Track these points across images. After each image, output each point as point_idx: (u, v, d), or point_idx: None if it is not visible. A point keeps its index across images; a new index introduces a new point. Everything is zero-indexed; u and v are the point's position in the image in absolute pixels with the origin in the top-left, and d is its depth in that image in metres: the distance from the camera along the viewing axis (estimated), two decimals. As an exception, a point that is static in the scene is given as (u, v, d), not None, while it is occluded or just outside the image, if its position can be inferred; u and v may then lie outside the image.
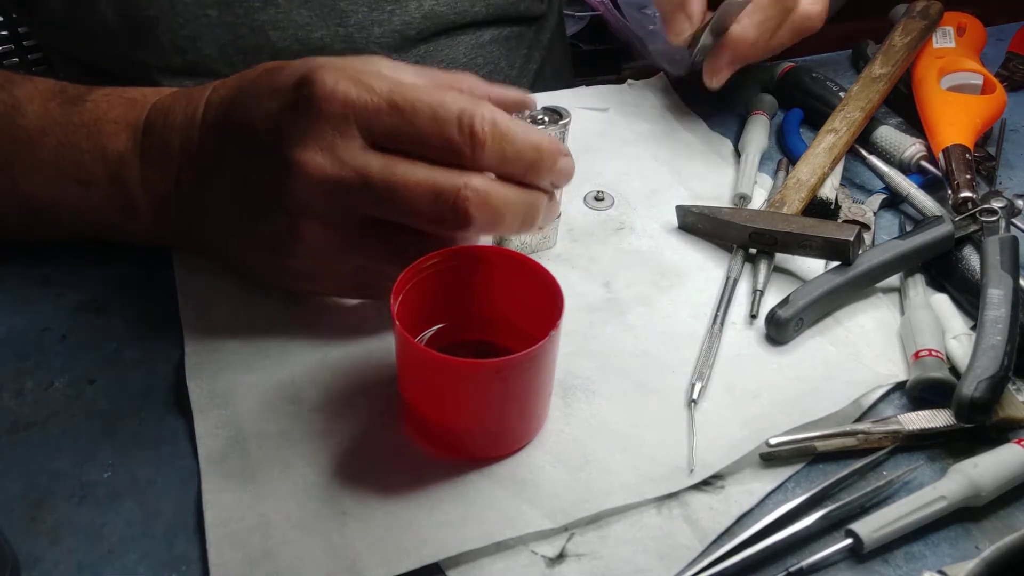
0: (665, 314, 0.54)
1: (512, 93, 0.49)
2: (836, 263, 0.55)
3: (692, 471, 0.45)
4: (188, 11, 0.67)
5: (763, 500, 0.44)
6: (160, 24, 0.67)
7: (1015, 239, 0.54)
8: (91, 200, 0.51)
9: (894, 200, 0.64)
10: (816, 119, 0.69)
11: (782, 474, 0.46)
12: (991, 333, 0.48)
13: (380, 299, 0.48)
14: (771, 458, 0.46)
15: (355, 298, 0.51)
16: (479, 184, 0.43)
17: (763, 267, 0.56)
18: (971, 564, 0.35)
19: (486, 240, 0.57)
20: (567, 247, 0.58)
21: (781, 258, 0.58)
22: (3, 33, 0.90)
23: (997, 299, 0.50)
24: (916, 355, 0.50)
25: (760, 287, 0.55)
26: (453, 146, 0.43)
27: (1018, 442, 0.46)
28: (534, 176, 0.45)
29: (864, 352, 0.52)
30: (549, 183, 0.46)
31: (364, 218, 0.44)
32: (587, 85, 0.73)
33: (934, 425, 0.47)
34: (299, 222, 0.44)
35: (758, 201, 0.63)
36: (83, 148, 0.50)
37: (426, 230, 0.45)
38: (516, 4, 0.79)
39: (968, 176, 0.59)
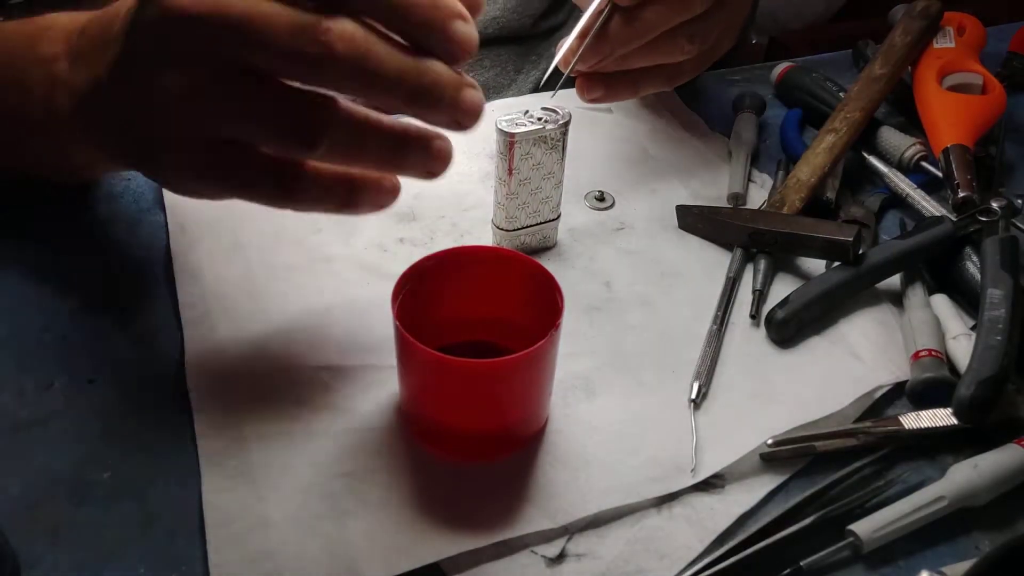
0: (665, 314, 0.54)
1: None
2: (836, 263, 0.55)
3: (693, 471, 0.45)
4: None
5: (763, 500, 0.44)
6: None
7: (1015, 239, 0.54)
8: (23, 106, 0.50)
9: (894, 200, 0.64)
10: (816, 119, 0.69)
11: (782, 474, 0.46)
12: (991, 333, 0.48)
13: (244, 195, 0.43)
14: (771, 458, 0.46)
15: (218, 193, 0.44)
16: (347, 22, 0.38)
17: (763, 267, 0.56)
18: (971, 564, 0.35)
19: (487, 240, 0.57)
20: (567, 247, 0.58)
21: (781, 258, 0.58)
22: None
23: (997, 299, 0.50)
24: (916, 355, 0.50)
25: (760, 287, 0.55)
26: None
27: (1018, 442, 0.46)
28: (418, 32, 0.39)
29: (864, 352, 0.52)
30: (443, 50, 0.39)
31: (226, 66, 0.40)
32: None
33: (934, 425, 0.47)
34: (158, 68, 0.41)
35: (757, 201, 0.63)
36: (21, 53, 0.50)
37: (291, 75, 0.39)
38: (531, 25, 0.79)
39: (968, 176, 0.59)
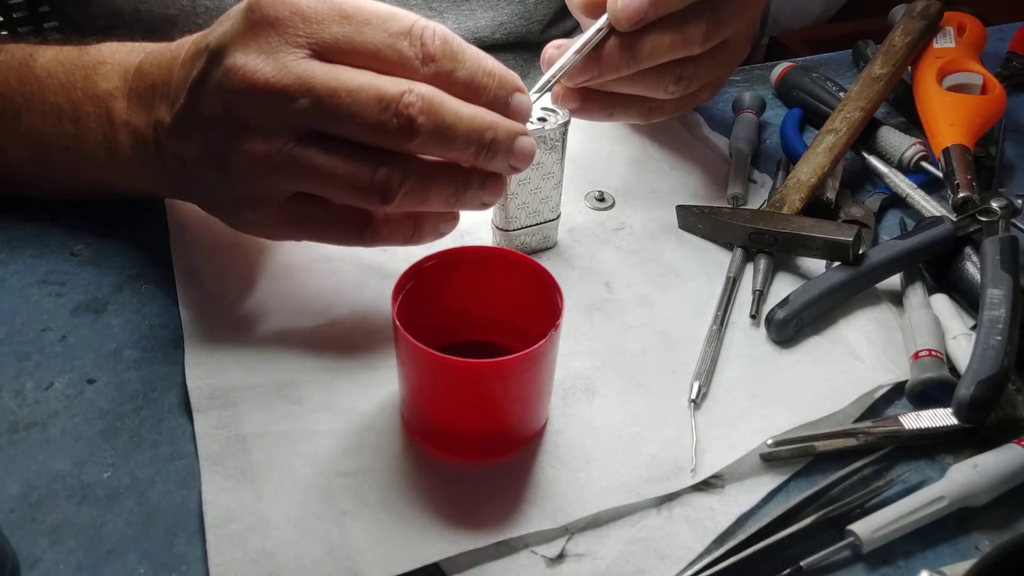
0: (665, 314, 0.54)
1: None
2: (836, 263, 0.55)
3: (693, 471, 0.45)
4: (208, 15, 0.67)
5: (763, 500, 0.44)
6: (178, 26, 0.67)
7: (1015, 239, 0.54)
8: (81, 138, 0.51)
9: (894, 200, 0.64)
10: (816, 119, 0.69)
11: (782, 474, 0.46)
12: (991, 333, 0.48)
13: (320, 239, 0.47)
14: (771, 458, 0.46)
15: (295, 237, 0.48)
16: (425, 90, 0.41)
17: (763, 267, 0.56)
18: (971, 564, 0.35)
19: (487, 240, 0.57)
20: (567, 247, 0.58)
21: (781, 258, 0.58)
22: (22, 15, 0.92)
23: (997, 299, 0.50)
24: (916, 355, 0.50)
25: (760, 287, 0.55)
26: (402, 58, 0.42)
27: (1018, 442, 0.46)
28: (487, 105, 0.44)
29: (864, 352, 0.52)
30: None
31: (305, 132, 0.42)
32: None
33: (934, 425, 0.47)
34: (237, 133, 0.43)
35: (757, 201, 0.63)
36: (78, 87, 0.51)
37: (370, 142, 0.43)
38: (539, 32, 0.79)
39: (968, 176, 0.59)
